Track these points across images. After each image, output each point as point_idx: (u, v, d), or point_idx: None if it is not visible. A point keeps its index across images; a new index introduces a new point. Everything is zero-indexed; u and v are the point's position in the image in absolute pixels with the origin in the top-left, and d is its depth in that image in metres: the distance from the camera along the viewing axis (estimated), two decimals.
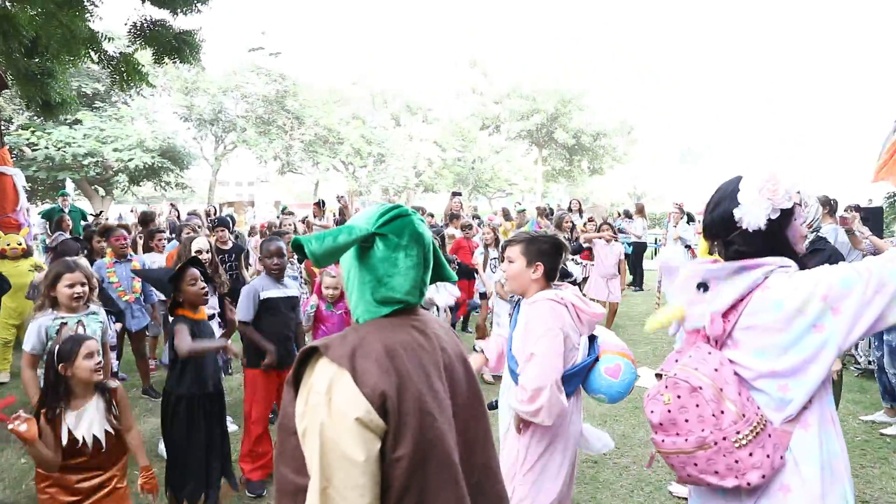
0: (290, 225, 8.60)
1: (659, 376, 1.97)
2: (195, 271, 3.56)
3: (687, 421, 1.77)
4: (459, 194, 10.66)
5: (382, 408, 1.30)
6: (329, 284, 4.85)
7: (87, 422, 2.83)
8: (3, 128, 7.32)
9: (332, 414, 1.28)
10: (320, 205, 11.41)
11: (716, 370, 1.78)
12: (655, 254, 18.34)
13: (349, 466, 1.25)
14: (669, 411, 1.80)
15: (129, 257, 6.15)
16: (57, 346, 2.87)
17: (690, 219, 10.41)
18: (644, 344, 8.07)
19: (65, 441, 2.76)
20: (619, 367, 2.87)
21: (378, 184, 40.13)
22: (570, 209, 12.38)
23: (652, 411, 1.87)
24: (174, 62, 10.10)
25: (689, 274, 1.96)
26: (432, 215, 12.43)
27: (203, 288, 3.54)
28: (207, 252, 5.00)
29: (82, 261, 3.97)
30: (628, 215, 14.50)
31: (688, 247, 10.09)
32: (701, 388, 1.76)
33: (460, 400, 1.50)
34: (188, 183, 33.63)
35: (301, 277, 6.92)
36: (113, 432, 2.90)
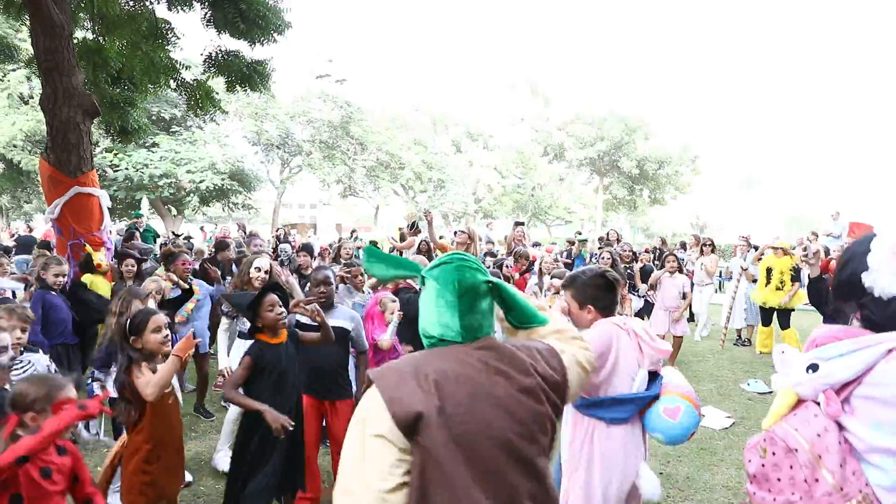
0: (350, 249, 8.69)
1: None
2: (274, 297, 3.59)
3: (779, 480, 1.65)
4: (522, 224, 10.49)
5: (413, 427, 1.47)
6: (392, 309, 4.88)
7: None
8: (92, 151, 7.76)
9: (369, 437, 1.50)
10: (411, 227, 11.32)
11: (818, 435, 1.62)
12: (721, 288, 17.73)
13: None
14: (763, 466, 1.69)
15: (189, 281, 6.27)
16: (128, 320, 3.17)
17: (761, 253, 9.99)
18: (709, 381, 7.76)
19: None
20: (678, 409, 2.76)
21: (438, 209, 40.44)
22: (607, 238, 12.08)
23: (749, 460, 1.76)
24: (245, 90, 10.49)
25: (797, 359, 1.84)
26: (492, 242, 12.36)
27: (281, 313, 3.58)
28: (266, 272, 5.02)
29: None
30: (684, 247, 14.12)
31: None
32: (797, 450, 1.64)
33: (512, 427, 1.58)
34: (254, 204, 34.71)
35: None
36: (180, 398, 3.26)
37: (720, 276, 17.43)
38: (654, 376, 2.88)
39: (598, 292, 2.84)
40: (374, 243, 14.60)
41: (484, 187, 42.29)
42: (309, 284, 4.59)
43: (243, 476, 3.51)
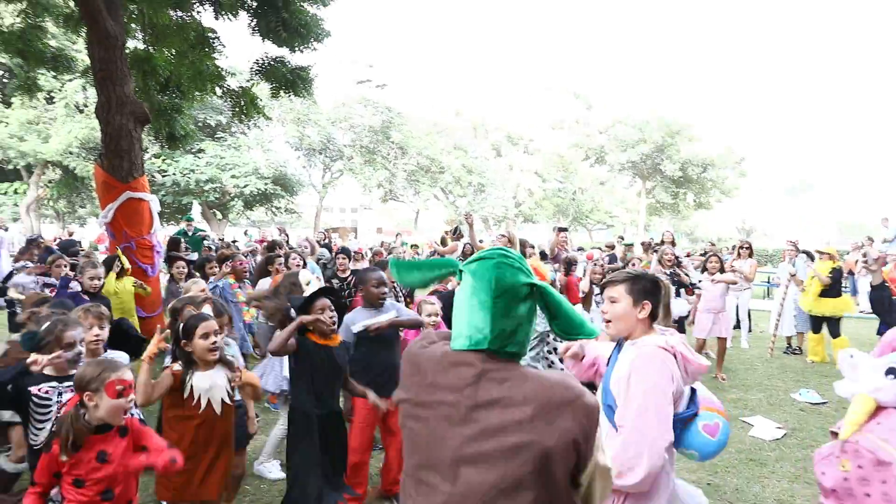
0: (402, 253, 8.75)
1: (834, 434, 1.77)
2: (325, 301, 3.66)
3: (868, 496, 1.56)
4: (566, 229, 10.31)
5: None
6: (430, 312, 4.88)
7: (207, 386, 3.18)
8: (143, 157, 8.01)
9: None
10: (454, 231, 11.39)
11: None
12: (768, 294, 17.27)
13: None
14: (846, 479, 1.60)
15: (244, 281, 6.47)
16: (182, 324, 3.25)
17: (811, 257, 9.65)
18: (758, 390, 7.55)
19: (186, 394, 3.13)
20: (717, 425, 2.67)
21: (478, 213, 40.44)
22: (662, 242, 11.83)
23: (823, 473, 1.68)
24: (289, 96, 10.68)
25: (876, 364, 1.76)
26: (532, 246, 12.23)
27: (332, 317, 3.64)
28: (307, 284, 5.10)
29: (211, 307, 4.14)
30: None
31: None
32: (890, 463, 1.55)
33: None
34: (296, 208, 35.27)
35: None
36: (230, 403, 3.25)
37: (768, 281, 16.99)
38: (691, 392, 2.79)
39: (654, 291, 2.71)
40: (414, 247, 14.67)
41: (524, 191, 42.13)
42: (360, 285, 4.63)
43: (297, 480, 3.55)
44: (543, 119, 45.16)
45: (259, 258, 8.28)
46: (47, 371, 3.14)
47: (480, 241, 10.71)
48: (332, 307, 3.68)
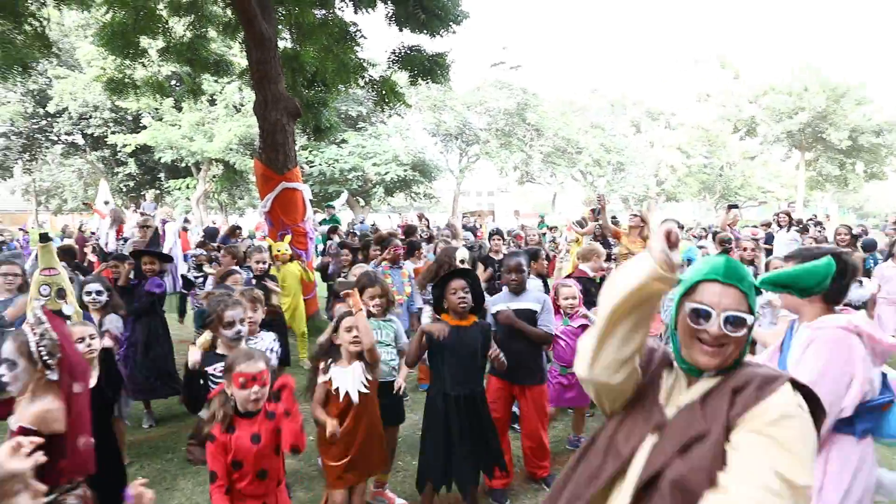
0: (534, 237, 8.74)
1: None
2: (461, 282, 3.72)
3: None
4: (736, 206, 9.60)
5: None
6: (567, 295, 4.79)
7: (345, 379, 3.38)
8: (295, 150, 8.58)
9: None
10: (595, 212, 11.21)
11: None
12: None
13: None
14: None
15: (400, 265, 6.73)
16: (336, 317, 3.51)
17: None
18: None
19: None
20: None
21: (617, 193, 39.18)
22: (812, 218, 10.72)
23: None
24: (427, 83, 10.91)
25: None
26: (682, 226, 11.64)
27: (464, 298, 3.72)
28: (461, 262, 5.23)
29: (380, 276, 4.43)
30: None
31: None
32: None
33: None
34: (435, 193, 36.09)
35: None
36: (367, 391, 3.43)
37: None
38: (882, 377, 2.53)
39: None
40: (553, 228, 14.50)
41: (666, 168, 40.16)
42: (502, 270, 4.63)
43: (432, 456, 3.66)
44: (687, 92, 42.68)
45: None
46: (221, 350, 3.42)
47: (614, 221, 10.31)
48: (467, 288, 3.71)
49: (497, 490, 4.20)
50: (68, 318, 4.31)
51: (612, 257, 9.93)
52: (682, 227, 11.91)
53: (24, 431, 2.41)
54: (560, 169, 39.00)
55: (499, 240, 7.52)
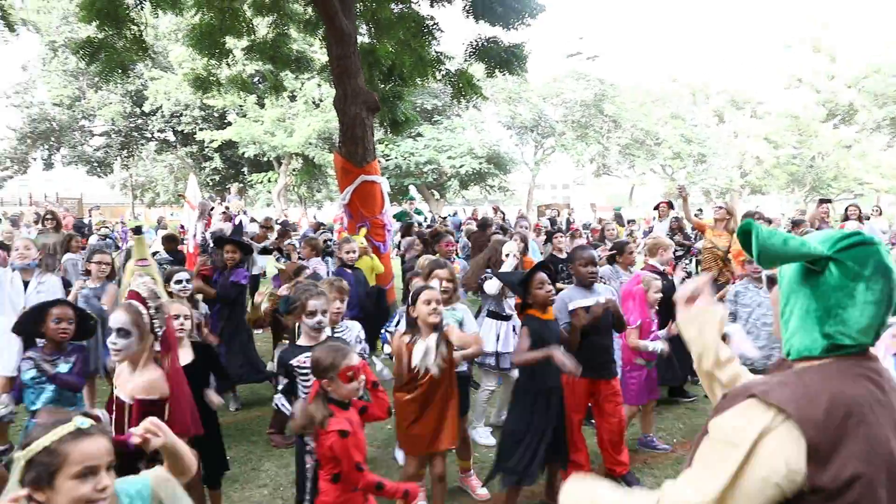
0: (612, 230, 8.61)
1: None
2: (543, 275, 3.78)
3: None
4: (829, 201, 9.21)
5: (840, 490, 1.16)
6: (657, 289, 4.70)
7: (423, 352, 3.44)
8: (374, 143, 8.74)
9: (751, 468, 1.19)
10: (670, 205, 11.05)
11: None
12: None
13: None
14: None
15: (452, 259, 6.76)
16: (412, 293, 3.61)
17: None
18: None
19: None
20: None
21: (698, 185, 37.81)
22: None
23: None
24: (503, 74, 10.87)
25: None
26: (770, 220, 11.14)
27: (550, 291, 3.74)
28: (506, 255, 5.20)
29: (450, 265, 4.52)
30: None
31: None
32: None
33: None
34: (509, 186, 35.95)
35: None
36: (444, 368, 3.48)
37: None
38: None
39: None
40: (631, 222, 14.19)
41: (751, 159, 38.35)
42: (569, 262, 4.60)
43: (511, 446, 3.69)
44: (775, 78, 40.46)
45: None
46: (303, 342, 3.50)
47: (699, 213, 9.96)
48: (550, 281, 3.76)
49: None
50: None
51: (694, 252, 9.63)
52: (769, 222, 11.40)
53: (141, 403, 2.72)
54: (638, 161, 37.99)
55: (559, 238, 7.43)
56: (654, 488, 4.51)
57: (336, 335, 3.87)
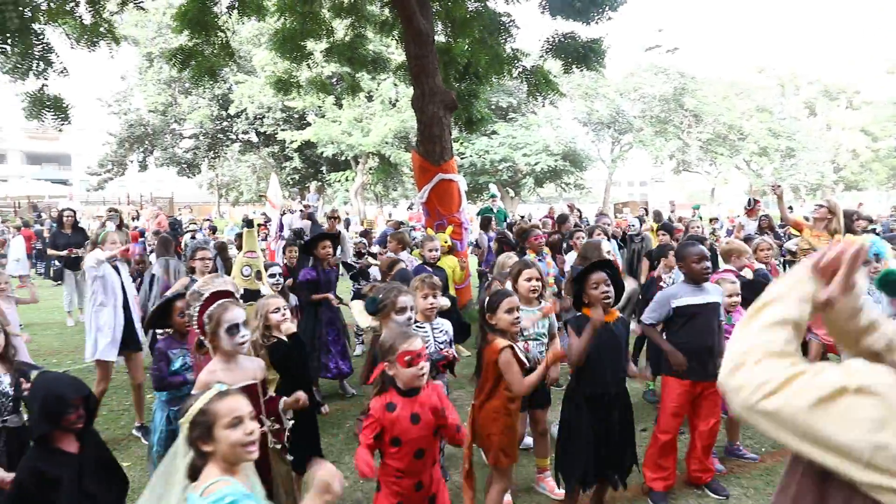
0: (697, 228, 8.35)
1: None
2: (602, 275, 3.58)
3: None
4: None
5: None
6: (731, 292, 4.49)
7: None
8: (451, 141, 8.79)
9: None
10: (748, 204, 10.75)
11: None
12: None
13: None
14: None
15: (542, 255, 6.73)
16: (487, 298, 3.50)
17: None
18: None
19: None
20: None
21: (786, 182, 36.00)
22: None
23: None
24: (580, 70, 10.69)
25: None
26: (871, 219, 10.46)
27: (605, 292, 3.57)
28: (608, 252, 5.11)
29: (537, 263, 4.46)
30: None
31: None
32: None
33: None
34: (585, 184, 35.36)
35: None
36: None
37: None
38: None
39: None
40: (713, 220, 13.67)
41: (846, 153, 36.20)
42: (678, 260, 4.42)
43: (569, 447, 3.58)
44: (875, 64, 37.91)
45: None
46: None
47: (790, 210, 9.54)
48: (608, 281, 3.56)
49: (655, 492, 4.06)
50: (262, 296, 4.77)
51: (785, 252, 9.14)
52: (870, 221, 10.72)
53: (264, 384, 3.19)
54: (721, 157, 36.52)
55: (665, 234, 7.38)
56: (742, 499, 4.32)
57: (433, 329, 3.88)
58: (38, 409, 2.66)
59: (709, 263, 4.05)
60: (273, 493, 3.09)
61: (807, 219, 7.15)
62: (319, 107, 28.61)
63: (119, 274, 5.35)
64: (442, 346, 3.81)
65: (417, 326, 3.74)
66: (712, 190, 41.14)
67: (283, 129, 30.95)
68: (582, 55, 10.28)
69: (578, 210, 12.99)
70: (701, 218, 14.18)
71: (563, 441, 3.65)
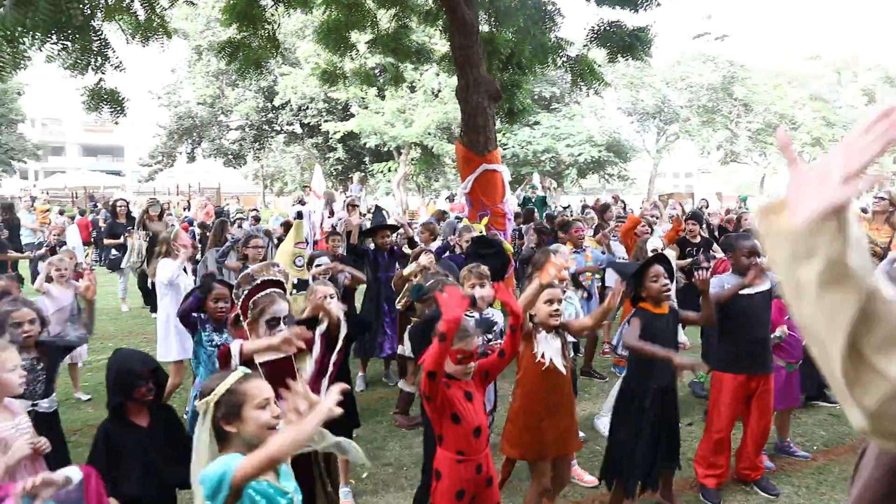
0: (747, 220, 8.20)
1: None
2: (659, 268, 3.62)
3: None
4: None
5: None
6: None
7: (547, 348, 3.42)
8: (495, 132, 8.76)
9: None
10: None
11: None
12: None
13: None
14: None
15: (583, 248, 6.69)
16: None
17: None
18: None
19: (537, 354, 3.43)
20: None
21: None
22: None
23: None
24: (626, 60, 10.50)
25: None
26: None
27: (665, 285, 3.58)
28: (653, 250, 5.06)
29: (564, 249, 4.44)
30: None
31: None
32: None
33: None
34: (629, 175, 34.81)
35: None
36: (565, 370, 3.44)
37: None
38: None
39: None
40: None
41: None
42: (727, 251, 4.41)
43: (620, 445, 3.58)
44: None
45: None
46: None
47: None
48: (665, 275, 3.58)
49: (709, 489, 4.01)
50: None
51: None
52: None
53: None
54: (771, 148, 35.47)
55: (695, 224, 7.29)
56: (793, 497, 4.26)
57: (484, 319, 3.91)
58: (112, 382, 2.91)
59: (759, 259, 3.96)
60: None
61: (864, 211, 6.91)
62: (363, 98, 28.81)
63: (186, 272, 5.58)
64: (490, 340, 3.84)
65: (467, 315, 3.74)
66: (762, 180, 40.01)
67: (326, 121, 31.28)
68: (628, 44, 10.07)
69: (622, 201, 12.86)
70: (748, 210, 13.85)
71: (617, 448, 3.63)
